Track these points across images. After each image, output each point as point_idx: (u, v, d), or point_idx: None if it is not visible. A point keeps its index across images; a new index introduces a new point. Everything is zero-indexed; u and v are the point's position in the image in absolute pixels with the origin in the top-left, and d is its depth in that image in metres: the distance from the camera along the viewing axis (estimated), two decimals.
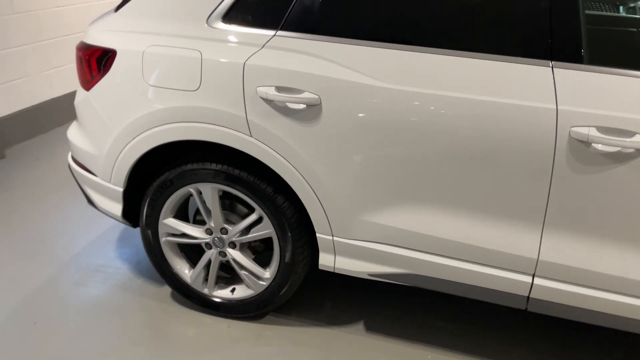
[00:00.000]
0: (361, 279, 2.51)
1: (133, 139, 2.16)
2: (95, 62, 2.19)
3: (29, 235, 3.01)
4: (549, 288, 1.89)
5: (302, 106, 1.90)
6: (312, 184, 2.00)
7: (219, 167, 2.12)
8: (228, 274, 2.46)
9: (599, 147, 1.67)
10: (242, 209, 2.28)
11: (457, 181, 1.85)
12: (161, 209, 2.28)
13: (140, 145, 2.15)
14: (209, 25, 2.04)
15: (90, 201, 2.47)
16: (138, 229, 3.07)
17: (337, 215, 2.02)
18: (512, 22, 1.78)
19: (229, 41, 2.00)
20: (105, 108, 2.20)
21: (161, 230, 2.33)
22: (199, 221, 2.37)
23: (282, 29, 1.96)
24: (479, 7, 1.82)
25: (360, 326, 2.37)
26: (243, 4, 2.01)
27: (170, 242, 2.37)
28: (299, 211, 2.13)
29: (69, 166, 2.54)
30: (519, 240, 1.87)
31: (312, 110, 1.90)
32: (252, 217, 2.18)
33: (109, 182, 2.30)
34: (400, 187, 1.92)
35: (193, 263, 2.42)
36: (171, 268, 2.40)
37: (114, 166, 2.25)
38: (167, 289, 2.58)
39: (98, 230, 3.07)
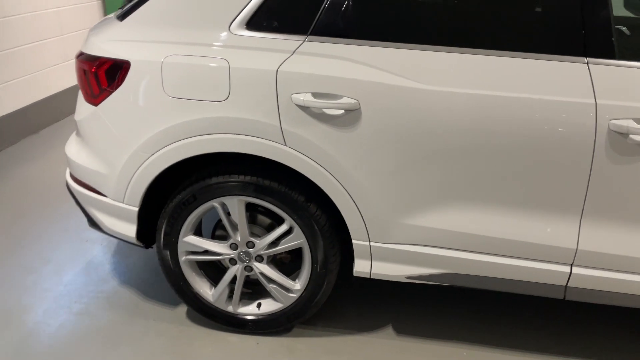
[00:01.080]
0: (375, 282, 2.50)
1: (152, 154, 2.03)
2: (105, 74, 2.05)
3: (17, 262, 2.77)
4: (587, 276, 1.96)
5: (340, 112, 1.87)
6: (350, 191, 1.96)
7: (248, 178, 2.05)
8: (248, 289, 2.37)
9: (637, 138, 1.75)
10: (264, 221, 2.21)
11: (498, 178, 1.88)
12: (181, 226, 2.16)
13: (161, 161, 2.04)
14: (232, 32, 1.96)
15: (94, 224, 2.31)
16: (129, 247, 2.91)
17: (375, 221, 2.00)
18: (548, 21, 1.84)
19: (256, 48, 1.93)
20: (118, 123, 2.06)
21: (181, 249, 2.21)
22: (218, 237, 2.27)
23: (311, 34, 1.92)
24: (515, 8, 1.87)
25: (389, 329, 2.36)
26: (267, 10, 1.94)
27: (190, 261, 2.25)
28: (330, 218, 2.09)
29: (68, 186, 2.36)
30: (558, 232, 1.92)
31: (351, 115, 1.87)
32: (282, 228, 2.12)
33: (122, 202, 2.15)
34: (439, 188, 1.93)
35: (213, 281, 2.32)
36: (192, 288, 2.28)
37: (128, 185, 2.11)
38: (182, 310, 2.46)
39: (88, 252, 2.88)
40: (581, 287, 1.99)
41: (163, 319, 2.41)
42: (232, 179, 2.05)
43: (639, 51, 1.92)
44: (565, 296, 2.02)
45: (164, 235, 2.19)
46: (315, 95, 1.87)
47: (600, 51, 1.79)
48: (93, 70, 2.07)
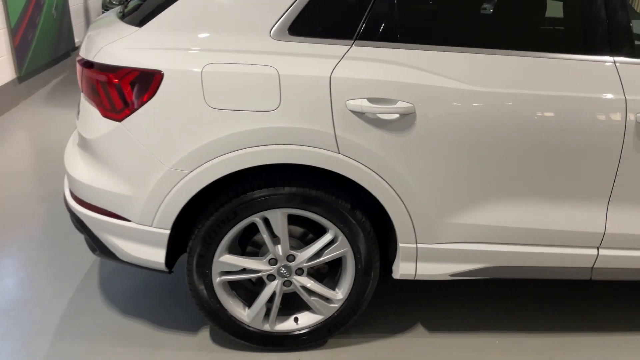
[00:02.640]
0: (393, 282, 2.52)
1: (191, 171, 1.88)
2: (130, 86, 1.85)
3: None
4: (611, 256, 2.14)
5: (395, 116, 1.86)
6: (401, 195, 1.96)
7: (294, 190, 1.96)
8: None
9: None
10: (296, 231, 2.13)
11: (538, 172, 1.99)
12: (218, 246, 2.02)
13: (202, 178, 1.89)
14: (274, 38, 1.87)
15: (106, 252, 2.07)
16: (119, 272, 2.66)
17: (423, 222, 2.02)
18: (579, 24, 1.98)
19: (302, 54, 1.86)
20: (150, 139, 1.87)
21: (216, 270, 2.07)
22: (249, 253, 2.15)
23: (358, 38, 1.89)
24: (549, 11, 1.99)
25: (420, 328, 2.39)
26: (310, 15, 1.88)
27: (224, 282, 2.11)
28: (373, 224, 2.08)
29: (71, 211, 2.10)
30: (588, 218, 2.08)
31: (406, 119, 1.87)
32: (326, 238, 2.06)
33: (150, 225, 1.96)
34: (484, 185, 2.00)
35: (244, 300, 2.19)
36: (226, 311, 2.13)
37: (160, 206, 1.93)
38: (204, 335, 2.29)
39: (72, 278, 2.58)
40: (606, 267, 2.16)
41: (187, 347, 2.23)
42: (277, 192, 1.96)
43: None
44: (591, 277, 2.20)
45: (199, 257, 2.03)
46: (371, 100, 1.85)
47: (623, 51, 1.96)
48: (115, 81, 1.86)
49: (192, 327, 2.33)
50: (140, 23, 1.93)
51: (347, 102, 1.84)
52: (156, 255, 2.02)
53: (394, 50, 1.89)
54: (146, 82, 1.84)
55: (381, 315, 2.46)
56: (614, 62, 1.96)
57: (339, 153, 1.89)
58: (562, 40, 1.99)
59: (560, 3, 2.00)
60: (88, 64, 1.94)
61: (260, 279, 2.13)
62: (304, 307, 2.21)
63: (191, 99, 1.83)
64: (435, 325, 2.41)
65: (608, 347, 2.32)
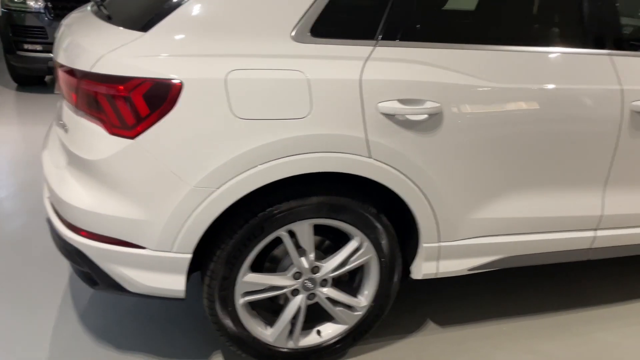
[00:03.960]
0: None
1: (218, 188, 1.72)
2: (144, 98, 1.65)
3: None
4: (607, 236, 2.29)
5: (424, 116, 1.84)
6: (428, 195, 1.95)
7: (322, 199, 1.87)
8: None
9: None
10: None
11: (549, 162, 2.07)
12: (242, 265, 1.88)
13: (229, 194, 1.74)
14: (297, 41, 1.76)
15: (112, 285, 1.85)
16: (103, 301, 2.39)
17: (447, 221, 2.02)
18: (580, 21, 2.07)
19: (328, 57, 1.78)
20: (170, 157, 1.68)
21: (239, 291, 1.92)
22: (268, 269, 2.02)
23: (380, 38, 1.83)
24: (559, 10, 2.06)
25: (432, 325, 2.40)
26: (330, 16, 1.79)
27: (246, 303, 1.97)
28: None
29: (64, 242, 1.84)
30: (588, 203, 2.20)
31: (433, 119, 1.86)
32: (352, 246, 1.99)
33: (170, 250, 1.78)
34: (503, 179, 2.04)
35: (263, 318, 2.06)
36: (249, 333, 2.00)
37: (181, 229, 1.75)
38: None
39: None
40: (602, 246, 2.31)
41: None
42: (306, 202, 1.86)
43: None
44: (589, 257, 2.33)
45: (222, 280, 1.87)
46: (402, 101, 1.80)
47: (617, 45, 2.09)
48: (123, 94, 1.65)
49: (202, 355, 2.16)
50: (145, 27, 1.72)
51: (379, 104, 1.79)
52: (175, 283, 1.83)
53: (417, 50, 1.87)
54: (162, 93, 1.65)
55: (391, 316, 2.43)
56: (610, 55, 2.08)
57: (370, 157, 1.83)
58: (568, 36, 2.08)
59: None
60: (83, 75, 1.70)
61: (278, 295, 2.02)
62: (325, 318, 2.13)
63: (216, 110, 1.67)
64: (445, 319, 2.44)
65: (610, 317, 2.51)
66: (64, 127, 1.89)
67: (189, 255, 1.80)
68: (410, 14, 1.87)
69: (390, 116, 1.81)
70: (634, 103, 2.08)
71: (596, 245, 2.30)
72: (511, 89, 1.94)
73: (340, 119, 1.77)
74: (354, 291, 2.13)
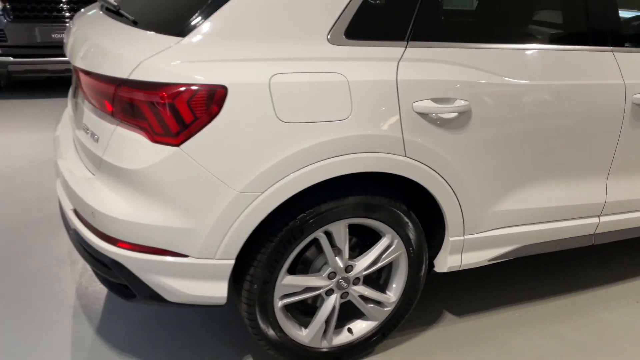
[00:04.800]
0: None
1: (262, 192, 1.72)
2: (188, 105, 1.62)
3: None
4: (609, 222, 2.43)
5: (454, 114, 1.90)
6: (456, 190, 2.01)
7: (358, 199, 1.90)
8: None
9: None
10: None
11: (561, 154, 2.18)
12: (282, 268, 1.88)
13: (273, 199, 1.74)
14: (333, 44, 1.77)
15: (151, 296, 1.81)
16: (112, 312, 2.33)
17: (472, 215, 2.09)
18: (587, 20, 2.18)
19: (363, 59, 1.80)
20: (216, 163, 1.66)
21: (278, 294, 1.92)
22: (299, 271, 2.03)
23: (410, 39, 1.87)
24: (570, 10, 2.17)
25: (450, 316, 2.48)
26: (363, 18, 1.81)
27: (284, 306, 1.97)
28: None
29: (98, 256, 1.78)
30: (594, 191, 2.33)
31: (463, 116, 1.92)
32: (384, 243, 2.03)
33: (213, 257, 1.76)
34: (523, 172, 2.13)
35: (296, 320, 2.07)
36: (287, 335, 2.00)
37: (226, 235, 1.73)
38: None
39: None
40: (605, 231, 2.45)
41: None
42: (343, 203, 1.88)
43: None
44: (594, 242, 2.47)
45: (263, 284, 1.87)
46: (435, 100, 1.86)
47: (617, 42, 2.22)
48: (167, 101, 1.62)
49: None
50: (181, 32, 1.69)
51: (414, 104, 1.83)
52: (217, 290, 1.82)
53: (445, 50, 1.92)
54: (207, 99, 1.63)
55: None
56: (612, 52, 2.21)
57: (405, 156, 1.87)
58: (576, 34, 2.19)
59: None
60: (120, 82, 1.66)
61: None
62: (354, 316, 2.16)
63: (261, 114, 1.67)
64: (461, 311, 2.52)
65: (609, 298, 2.66)
66: (92, 135, 1.82)
67: (232, 261, 1.79)
68: (437, 15, 1.93)
69: (424, 115, 1.86)
70: (635, 96, 2.22)
71: (599, 230, 2.44)
72: (531, 86, 2.03)
73: (379, 119, 1.80)
74: (381, 287, 2.17)
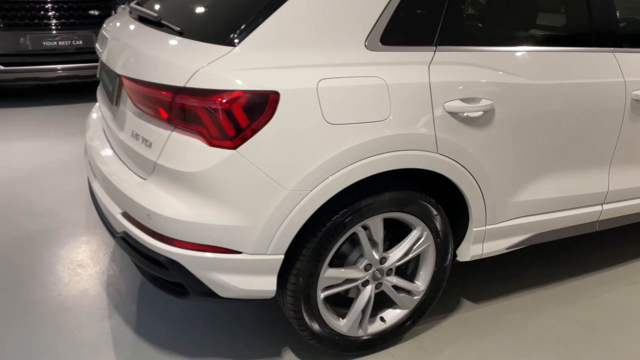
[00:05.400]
0: None
1: (311, 190, 1.83)
2: (243, 110, 1.73)
3: None
4: (611, 209, 2.62)
5: (479, 113, 2.05)
6: (480, 184, 2.16)
7: (394, 194, 2.03)
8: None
9: None
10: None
11: (571, 147, 2.36)
12: (325, 261, 2.00)
13: (320, 196, 1.86)
14: (370, 49, 1.90)
15: (205, 293, 1.90)
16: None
17: (493, 206, 2.25)
18: (591, 23, 2.36)
19: (398, 63, 1.94)
20: (269, 164, 1.77)
21: (320, 286, 2.04)
22: (336, 264, 2.15)
23: (438, 44, 2.02)
24: (576, 14, 2.35)
25: (468, 303, 2.63)
26: (396, 25, 1.95)
27: (324, 298, 2.08)
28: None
29: (154, 256, 1.86)
30: (598, 181, 2.52)
31: (487, 115, 2.07)
32: (415, 235, 2.17)
33: (265, 253, 1.86)
34: (539, 164, 2.30)
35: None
36: (328, 326, 2.12)
37: (277, 231, 1.84)
38: (290, 357, 2.23)
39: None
40: (607, 218, 2.65)
41: None
42: (380, 198, 2.01)
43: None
44: (597, 228, 2.66)
45: (308, 277, 1.98)
46: (463, 100, 2.00)
47: (617, 43, 2.42)
48: (224, 107, 1.72)
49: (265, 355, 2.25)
50: (232, 41, 1.79)
51: (445, 104, 1.98)
52: (268, 284, 1.92)
53: (469, 53, 2.07)
54: (261, 104, 1.74)
55: None
56: (613, 52, 2.40)
57: (437, 153, 2.01)
58: (585, 36, 2.37)
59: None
60: (177, 90, 1.75)
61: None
62: (385, 305, 2.29)
63: (310, 117, 1.79)
64: (478, 297, 2.68)
65: (610, 280, 2.85)
66: (143, 141, 1.91)
67: (282, 256, 1.90)
68: (462, 21, 2.08)
69: (454, 114, 2.00)
70: (634, 92, 2.42)
71: (602, 217, 2.63)
72: (547, 85, 2.20)
73: (414, 119, 1.94)
74: (409, 277, 2.31)
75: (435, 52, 2.01)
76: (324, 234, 1.95)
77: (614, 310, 2.64)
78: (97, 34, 5.20)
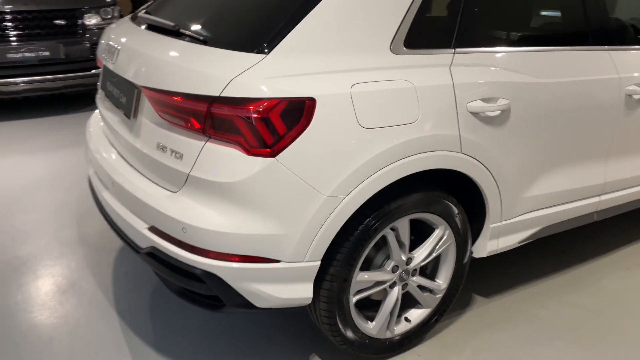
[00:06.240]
0: None
1: (347, 195, 1.84)
2: (281, 117, 1.71)
3: None
4: (607, 199, 2.75)
5: (497, 112, 2.11)
6: (498, 181, 2.22)
7: (420, 194, 2.06)
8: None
9: (637, 96, 2.59)
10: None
11: (575, 142, 2.46)
12: (357, 265, 2.01)
13: (355, 201, 1.86)
14: (395, 53, 1.93)
15: (241, 304, 1.87)
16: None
17: (508, 202, 2.31)
18: (589, 23, 2.47)
19: (422, 65, 1.97)
20: (307, 171, 1.76)
21: (352, 291, 2.04)
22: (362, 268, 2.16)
23: (456, 47, 2.06)
24: (577, 15, 2.45)
25: (479, 298, 2.70)
26: (418, 29, 1.98)
27: (355, 302, 2.09)
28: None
29: (187, 269, 1.82)
30: (597, 172, 2.64)
31: (504, 113, 2.13)
32: (438, 235, 2.21)
33: (302, 260, 1.85)
34: (547, 159, 2.38)
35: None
36: (359, 330, 2.12)
37: (314, 238, 1.83)
38: None
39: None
40: (604, 208, 2.77)
41: None
42: (408, 199, 2.03)
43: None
44: (595, 219, 2.78)
45: (342, 282, 1.98)
46: (483, 100, 2.06)
47: (612, 42, 2.54)
48: (262, 115, 1.70)
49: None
50: (263, 49, 1.77)
51: (468, 104, 2.02)
52: (304, 291, 1.91)
53: (484, 55, 2.13)
54: (298, 111, 1.73)
55: None
56: (608, 50, 2.53)
57: (461, 152, 2.06)
58: (584, 36, 2.48)
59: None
60: (212, 100, 1.72)
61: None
62: (408, 306, 2.32)
63: (345, 122, 1.79)
64: (488, 292, 2.75)
65: (604, 266, 3.00)
66: (172, 153, 1.85)
67: (319, 263, 1.89)
68: (476, 22, 2.13)
69: (475, 114, 2.05)
70: (628, 88, 2.55)
71: (600, 208, 2.76)
72: (555, 83, 2.29)
73: (441, 120, 1.97)
74: (429, 276, 2.34)
75: (454, 54, 2.06)
76: (356, 238, 1.96)
77: (614, 295, 2.76)
78: (64, 44, 5.06)
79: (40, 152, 4.46)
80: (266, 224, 1.79)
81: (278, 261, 1.84)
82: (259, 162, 1.74)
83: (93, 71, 5.27)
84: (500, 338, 2.42)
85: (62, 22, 5.06)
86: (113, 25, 2.65)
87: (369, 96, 1.83)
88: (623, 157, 2.72)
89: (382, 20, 1.92)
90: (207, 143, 1.77)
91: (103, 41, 2.48)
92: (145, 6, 2.53)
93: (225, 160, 1.76)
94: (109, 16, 5.41)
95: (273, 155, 1.73)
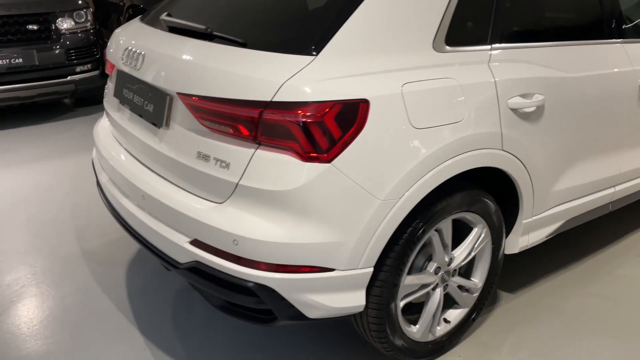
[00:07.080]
0: None
1: (399, 198, 1.79)
2: (335, 121, 1.65)
3: None
4: (622, 189, 2.79)
5: (534, 108, 2.10)
6: (532, 177, 2.22)
7: (463, 194, 2.03)
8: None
9: None
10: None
11: (598, 134, 2.49)
12: (405, 270, 1.96)
13: (408, 203, 1.82)
14: (437, 51, 1.89)
15: (294, 316, 1.79)
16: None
17: (539, 197, 2.31)
18: (605, 17, 2.50)
19: (464, 62, 1.95)
20: (363, 175, 1.70)
21: (400, 295, 1.99)
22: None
23: (492, 42, 2.04)
24: (595, 10, 2.48)
25: (505, 294, 2.69)
26: (457, 26, 1.95)
27: (402, 306, 2.04)
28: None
29: (238, 282, 1.72)
30: (613, 164, 2.68)
31: (539, 109, 2.13)
32: (476, 234, 2.18)
33: (357, 267, 1.79)
34: (575, 152, 2.40)
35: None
36: (406, 335, 2.08)
37: (369, 243, 1.78)
38: None
39: None
40: (618, 198, 2.82)
41: None
42: (452, 200, 2.00)
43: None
44: (610, 209, 2.82)
45: (392, 287, 1.93)
46: (522, 96, 2.05)
47: (624, 35, 2.58)
48: (316, 119, 1.62)
49: None
50: (311, 50, 1.70)
51: (508, 101, 2.00)
52: (358, 299, 1.85)
53: (519, 50, 2.12)
54: (352, 113, 1.67)
55: None
56: (622, 43, 2.56)
57: (502, 149, 2.04)
58: (602, 30, 2.50)
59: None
60: (264, 105, 1.63)
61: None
62: (445, 307, 2.29)
63: (398, 123, 1.74)
64: (512, 288, 2.75)
65: (617, 255, 3.05)
66: (217, 162, 1.75)
67: (372, 269, 1.83)
68: (510, 19, 2.11)
69: (515, 110, 2.04)
70: None
71: (615, 198, 2.80)
72: (582, 77, 2.30)
73: (485, 117, 1.95)
74: (464, 276, 2.32)
75: (491, 50, 2.04)
76: (405, 241, 1.91)
77: (629, 284, 2.81)
78: (37, 50, 4.81)
79: (22, 165, 4.21)
80: (322, 232, 1.72)
81: (333, 270, 1.77)
82: (315, 168, 1.66)
83: (69, 78, 5.03)
84: (534, 334, 2.42)
85: (35, 27, 4.80)
86: (119, 30, 2.51)
87: (419, 95, 1.79)
88: (635, 147, 2.77)
89: (424, 17, 1.88)
90: (258, 150, 1.69)
91: (115, 45, 2.34)
92: (158, 7, 2.40)
93: (278, 168, 1.68)
94: (82, 19, 5.18)
95: (329, 160, 1.66)
